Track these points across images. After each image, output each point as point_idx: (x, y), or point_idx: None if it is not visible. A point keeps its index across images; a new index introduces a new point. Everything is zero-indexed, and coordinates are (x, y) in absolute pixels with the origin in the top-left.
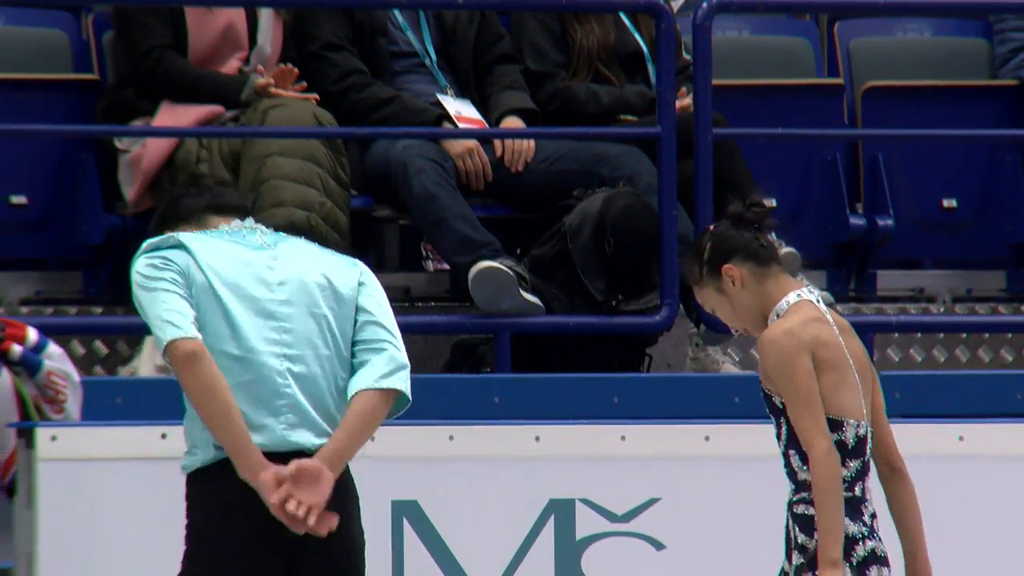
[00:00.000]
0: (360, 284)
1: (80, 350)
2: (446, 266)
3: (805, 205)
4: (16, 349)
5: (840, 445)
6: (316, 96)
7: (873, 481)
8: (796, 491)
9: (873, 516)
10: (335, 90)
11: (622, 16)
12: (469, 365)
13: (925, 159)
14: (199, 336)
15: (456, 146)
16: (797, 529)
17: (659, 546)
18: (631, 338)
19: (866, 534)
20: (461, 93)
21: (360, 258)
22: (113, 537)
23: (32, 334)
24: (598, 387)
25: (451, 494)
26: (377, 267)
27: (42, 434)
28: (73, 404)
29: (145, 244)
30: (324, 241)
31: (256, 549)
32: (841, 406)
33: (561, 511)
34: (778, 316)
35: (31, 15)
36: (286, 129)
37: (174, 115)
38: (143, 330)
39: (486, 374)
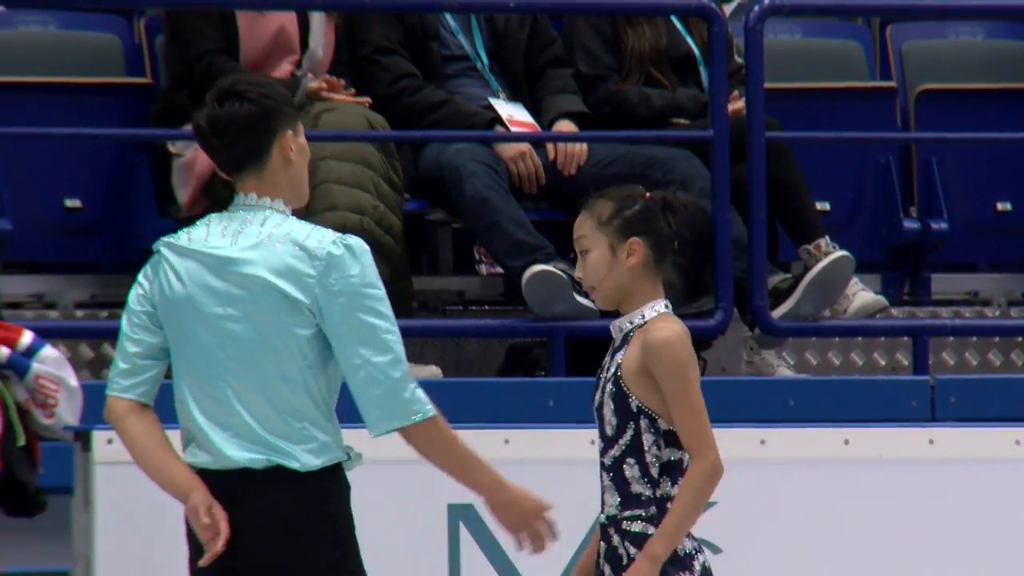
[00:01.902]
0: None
1: None
2: (500, 270)
3: (858, 209)
4: (3, 352)
5: (681, 463)
6: (368, 100)
7: None
8: (625, 506)
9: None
10: (387, 94)
11: (674, 19)
12: (523, 368)
13: (978, 162)
14: (112, 392)
15: (508, 149)
16: (631, 548)
17: (716, 550)
18: None
19: (698, 548)
20: (513, 96)
21: (413, 262)
22: (170, 539)
23: (25, 337)
24: None
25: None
26: (431, 271)
27: (99, 437)
28: (67, 409)
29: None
30: (378, 245)
31: None
32: None
33: None
34: (644, 318)
35: (84, 19)
36: (339, 133)
37: None
38: None
39: (540, 378)
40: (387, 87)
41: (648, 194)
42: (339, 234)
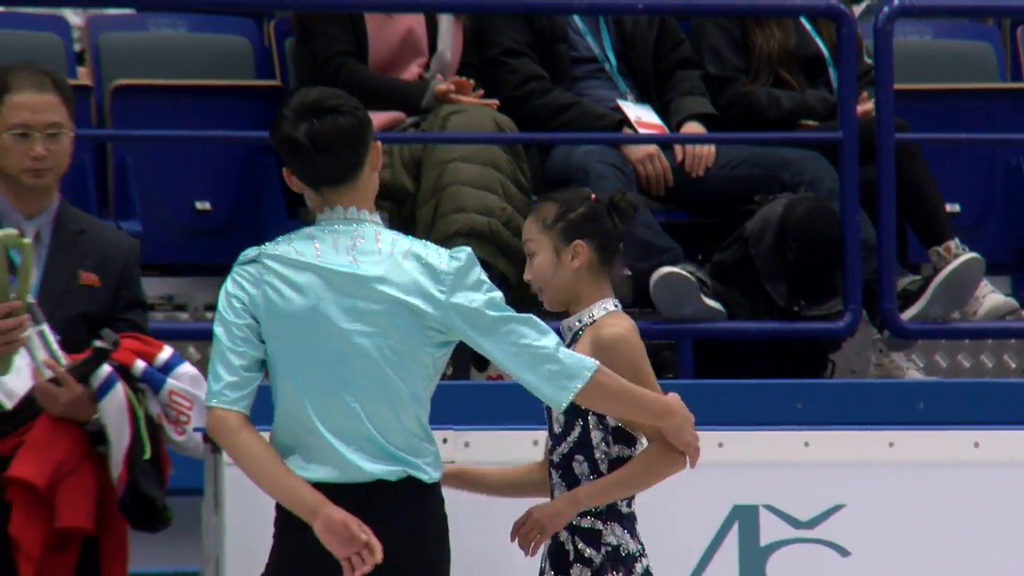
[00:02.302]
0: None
1: None
2: (627, 272)
3: (988, 211)
4: (139, 365)
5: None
6: (496, 102)
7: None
8: None
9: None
10: (515, 96)
11: (803, 20)
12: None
13: None
14: (221, 405)
15: (636, 151)
16: (581, 542)
17: (844, 552)
18: (814, 344)
19: (643, 551)
20: (641, 98)
21: None
22: None
23: (164, 353)
24: (781, 393)
25: (636, 499)
26: None
27: None
28: (199, 427)
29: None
30: (505, 247)
31: None
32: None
33: (745, 517)
34: (592, 317)
35: (215, 22)
36: (467, 135)
37: None
38: None
39: (668, 379)
40: (515, 89)
41: (593, 195)
42: (444, 248)
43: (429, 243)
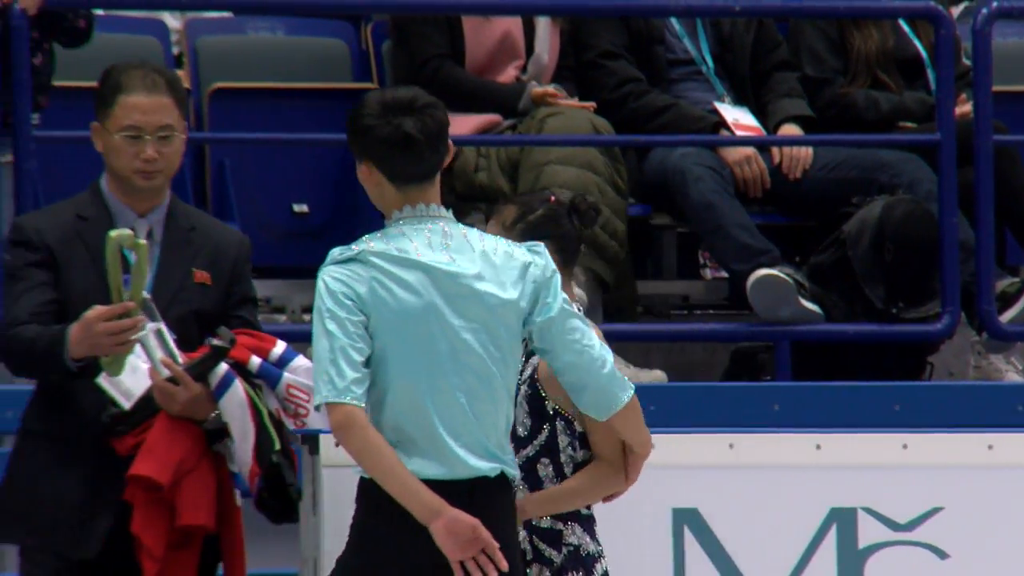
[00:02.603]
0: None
1: None
2: (724, 274)
3: None
4: (255, 361)
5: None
6: (593, 104)
7: None
8: None
9: None
10: (612, 98)
11: (900, 22)
12: (748, 373)
13: None
14: (353, 401)
15: (734, 153)
16: (542, 543)
17: (942, 555)
18: (912, 346)
19: (602, 552)
20: (738, 100)
21: (637, 266)
22: None
23: (278, 348)
24: (879, 395)
25: (732, 502)
26: (655, 275)
27: (326, 440)
28: (317, 418)
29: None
30: (602, 249)
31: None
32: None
33: (843, 520)
34: None
35: (312, 25)
36: (564, 137)
37: (452, 124)
38: None
39: (766, 382)
40: (612, 92)
41: (553, 198)
42: (517, 244)
43: (506, 240)
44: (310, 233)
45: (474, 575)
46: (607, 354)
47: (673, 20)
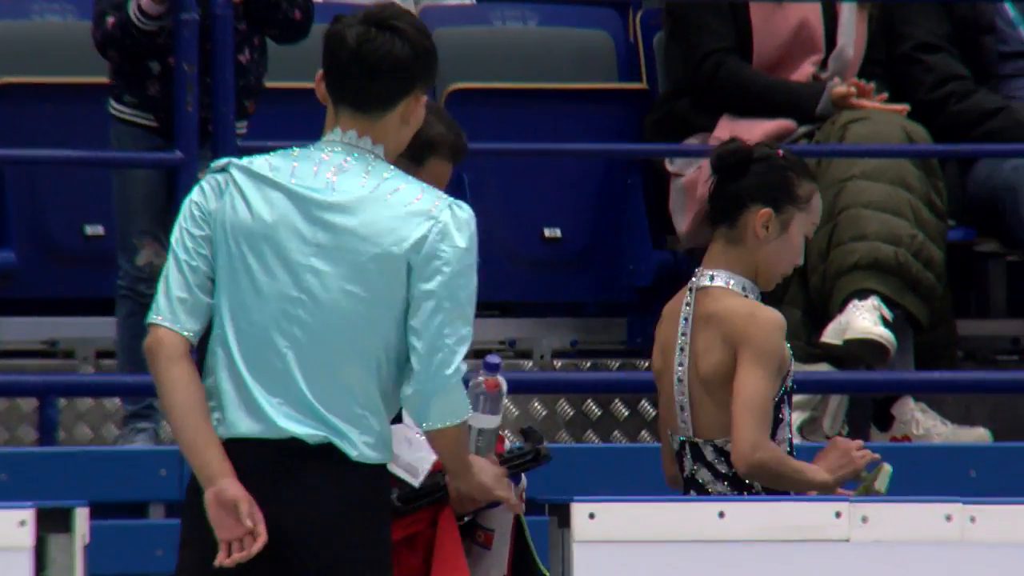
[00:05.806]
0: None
1: (623, 411)
2: None
3: None
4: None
5: None
6: (906, 107)
7: None
8: None
9: None
10: (931, 99)
11: None
12: None
13: None
14: (165, 323)
15: None
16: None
17: None
18: None
19: None
20: None
21: (958, 302)
22: None
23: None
24: None
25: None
26: (980, 312)
27: (578, 511)
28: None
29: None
30: (916, 282)
31: None
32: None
33: None
34: None
35: (571, 14)
36: (871, 147)
37: (736, 130)
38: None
39: None
40: (930, 91)
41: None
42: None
43: (455, 202)
44: (563, 262)
45: (220, 560)
46: (461, 369)
47: (1008, 5)
